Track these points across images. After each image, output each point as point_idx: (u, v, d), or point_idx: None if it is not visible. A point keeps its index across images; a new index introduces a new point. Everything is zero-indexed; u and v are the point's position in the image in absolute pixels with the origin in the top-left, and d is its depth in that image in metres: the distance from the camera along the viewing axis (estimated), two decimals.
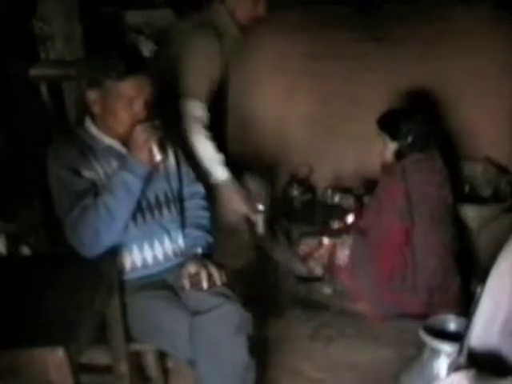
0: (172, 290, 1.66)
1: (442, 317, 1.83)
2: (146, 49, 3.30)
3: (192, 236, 1.73)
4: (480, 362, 1.22)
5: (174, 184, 1.75)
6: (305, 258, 2.63)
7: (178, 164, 1.78)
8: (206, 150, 2.05)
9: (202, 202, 1.84)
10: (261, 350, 2.03)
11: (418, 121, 2.33)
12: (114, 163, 1.60)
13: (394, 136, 2.32)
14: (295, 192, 2.94)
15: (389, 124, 2.33)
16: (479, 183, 2.82)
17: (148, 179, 1.61)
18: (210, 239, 1.75)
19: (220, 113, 2.34)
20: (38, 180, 1.85)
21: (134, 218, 1.61)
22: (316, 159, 3.02)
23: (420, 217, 2.28)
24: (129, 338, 1.61)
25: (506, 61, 2.79)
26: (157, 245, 1.67)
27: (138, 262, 1.65)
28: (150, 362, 1.86)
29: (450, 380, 1.19)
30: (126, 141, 1.58)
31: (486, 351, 1.23)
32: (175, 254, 1.71)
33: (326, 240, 2.56)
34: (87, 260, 1.52)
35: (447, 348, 1.64)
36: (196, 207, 1.81)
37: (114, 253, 1.57)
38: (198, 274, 1.59)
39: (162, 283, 1.68)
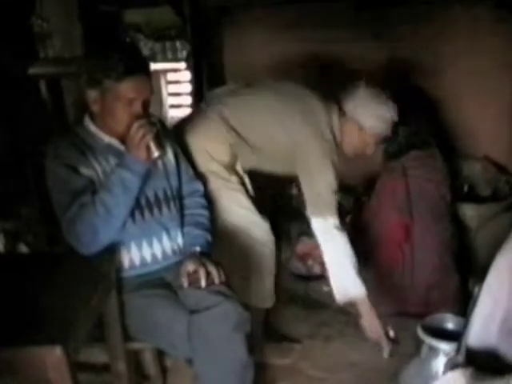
0: (170, 288, 1.66)
1: (440, 315, 1.83)
2: (145, 48, 3.31)
3: (191, 234, 1.73)
4: (478, 360, 1.22)
5: (173, 182, 1.75)
6: (303, 257, 2.64)
7: (177, 162, 1.78)
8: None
9: (202, 200, 1.84)
10: (260, 349, 2.03)
11: (411, 121, 2.34)
12: (113, 161, 1.60)
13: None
14: (294, 190, 2.94)
15: None
16: (478, 182, 2.83)
17: (146, 177, 1.60)
18: (209, 238, 1.75)
19: None
20: (37, 178, 1.84)
21: (132, 215, 1.61)
22: None
23: (419, 213, 2.29)
24: (127, 337, 1.60)
25: (505, 61, 2.80)
26: (155, 243, 1.67)
27: (137, 260, 1.65)
28: (148, 361, 1.86)
29: (447, 378, 1.19)
30: (125, 139, 1.58)
31: (484, 350, 1.23)
32: (174, 253, 1.71)
33: None
34: (85, 258, 1.52)
35: (445, 347, 1.64)
36: (195, 205, 1.81)
37: (112, 251, 1.57)
38: (196, 272, 1.59)
39: (161, 281, 1.67)
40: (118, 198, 1.52)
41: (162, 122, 1.79)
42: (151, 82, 1.59)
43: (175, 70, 4.62)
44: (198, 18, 2.98)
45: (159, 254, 1.68)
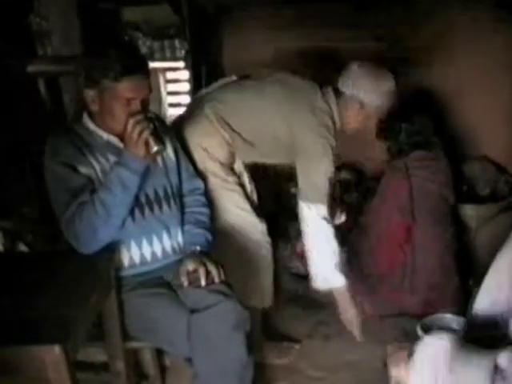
0: (170, 287, 1.66)
1: (439, 315, 1.83)
2: (144, 46, 3.30)
3: (191, 233, 1.72)
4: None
5: (173, 179, 1.74)
6: (302, 256, 2.63)
7: (177, 158, 1.77)
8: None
9: (202, 198, 1.83)
10: (258, 348, 2.03)
11: (414, 120, 2.35)
12: (112, 159, 1.59)
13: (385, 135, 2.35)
14: (293, 189, 2.94)
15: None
16: (478, 182, 2.83)
17: (145, 175, 1.59)
18: (209, 236, 1.74)
19: None
20: (36, 178, 1.84)
21: (132, 213, 1.60)
22: None
23: (421, 214, 2.29)
24: (126, 336, 1.60)
25: (506, 61, 2.80)
26: (155, 241, 1.66)
27: (136, 259, 1.64)
28: (147, 360, 1.86)
29: (433, 342, 1.15)
30: (123, 136, 1.57)
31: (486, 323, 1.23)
32: (174, 251, 1.70)
33: None
34: (84, 257, 1.51)
35: None
36: (195, 203, 1.80)
37: (111, 249, 1.56)
38: (196, 271, 1.58)
39: (160, 280, 1.67)
40: (116, 197, 1.51)
41: (160, 119, 1.78)
42: (150, 81, 1.57)
43: (174, 69, 4.62)
44: (196, 16, 2.97)
45: (159, 253, 1.67)
